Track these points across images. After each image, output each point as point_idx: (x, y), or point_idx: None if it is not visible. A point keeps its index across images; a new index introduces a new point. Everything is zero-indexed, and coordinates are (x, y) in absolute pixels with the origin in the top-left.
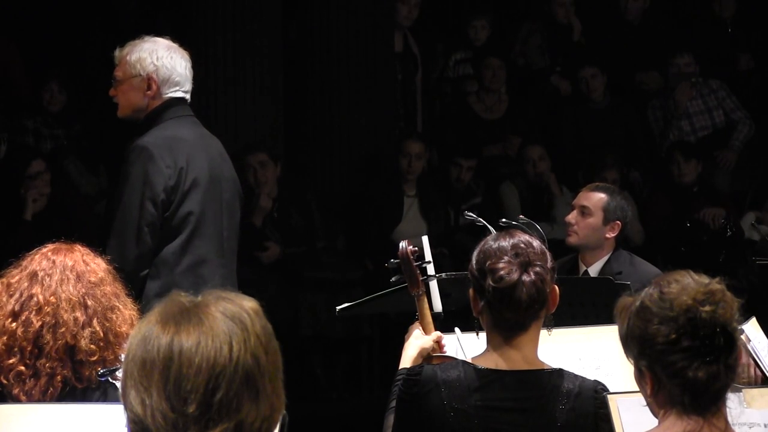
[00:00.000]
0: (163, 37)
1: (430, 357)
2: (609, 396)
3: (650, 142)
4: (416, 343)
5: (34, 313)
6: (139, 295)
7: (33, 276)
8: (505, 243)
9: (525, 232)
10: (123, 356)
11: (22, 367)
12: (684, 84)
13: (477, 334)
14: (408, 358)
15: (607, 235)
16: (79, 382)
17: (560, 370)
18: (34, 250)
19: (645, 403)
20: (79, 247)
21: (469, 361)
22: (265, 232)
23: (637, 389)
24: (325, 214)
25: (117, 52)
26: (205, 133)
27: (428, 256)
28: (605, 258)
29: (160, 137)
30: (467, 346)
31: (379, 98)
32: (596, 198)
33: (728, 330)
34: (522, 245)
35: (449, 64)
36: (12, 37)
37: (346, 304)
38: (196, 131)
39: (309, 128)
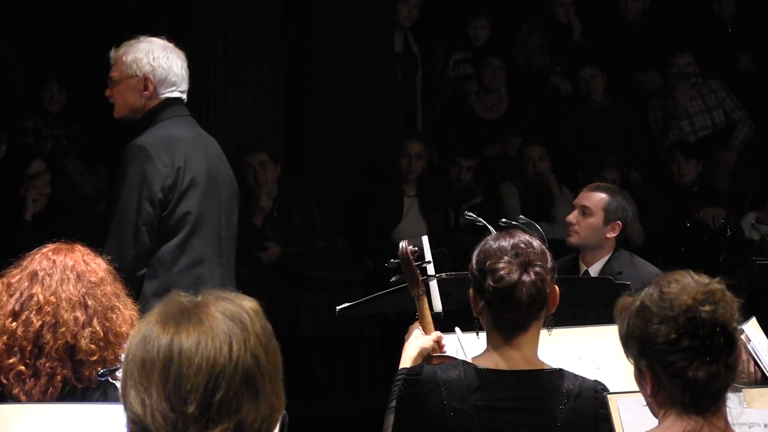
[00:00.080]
0: (159, 37)
1: (430, 357)
2: (609, 396)
3: (650, 142)
4: (416, 343)
5: (34, 312)
6: (137, 295)
7: (33, 276)
8: (505, 243)
9: (525, 232)
10: (123, 356)
11: (22, 367)
12: (684, 84)
13: (477, 334)
14: (408, 358)
15: (608, 235)
16: (79, 382)
17: (560, 370)
18: (35, 250)
19: (645, 403)
20: (80, 247)
21: (469, 361)
22: (265, 232)
23: (637, 389)
24: (325, 214)
25: (112, 53)
26: (202, 132)
27: (428, 256)
28: (606, 258)
29: (157, 137)
30: (467, 346)
31: (379, 98)
32: (597, 198)
33: (728, 330)
34: (522, 245)
35: (449, 64)
36: (12, 37)
37: (346, 304)
38: (193, 131)
39: (309, 128)
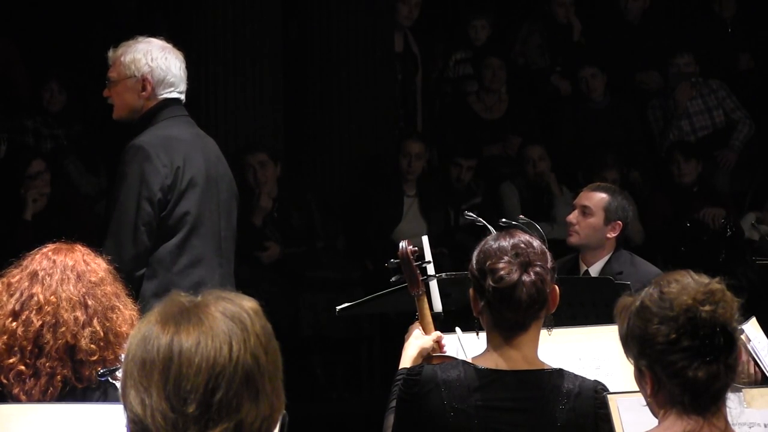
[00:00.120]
0: (158, 38)
1: (430, 357)
2: (609, 396)
3: (650, 142)
4: (416, 343)
5: (34, 312)
6: (136, 296)
7: (33, 275)
8: (505, 243)
9: (525, 232)
10: (123, 356)
11: (23, 367)
12: (684, 84)
13: (477, 334)
14: (408, 358)
15: (608, 235)
16: (79, 382)
17: (560, 370)
18: (35, 249)
19: (645, 403)
20: (80, 246)
21: (469, 361)
22: (265, 232)
23: (637, 389)
24: (325, 214)
25: (111, 53)
26: (201, 133)
27: (428, 256)
28: (606, 258)
29: (156, 137)
30: (467, 346)
31: (379, 98)
32: (597, 198)
33: (728, 330)
34: (522, 245)
35: (449, 64)
36: (12, 37)
37: (346, 304)
38: (192, 131)
39: (309, 128)
